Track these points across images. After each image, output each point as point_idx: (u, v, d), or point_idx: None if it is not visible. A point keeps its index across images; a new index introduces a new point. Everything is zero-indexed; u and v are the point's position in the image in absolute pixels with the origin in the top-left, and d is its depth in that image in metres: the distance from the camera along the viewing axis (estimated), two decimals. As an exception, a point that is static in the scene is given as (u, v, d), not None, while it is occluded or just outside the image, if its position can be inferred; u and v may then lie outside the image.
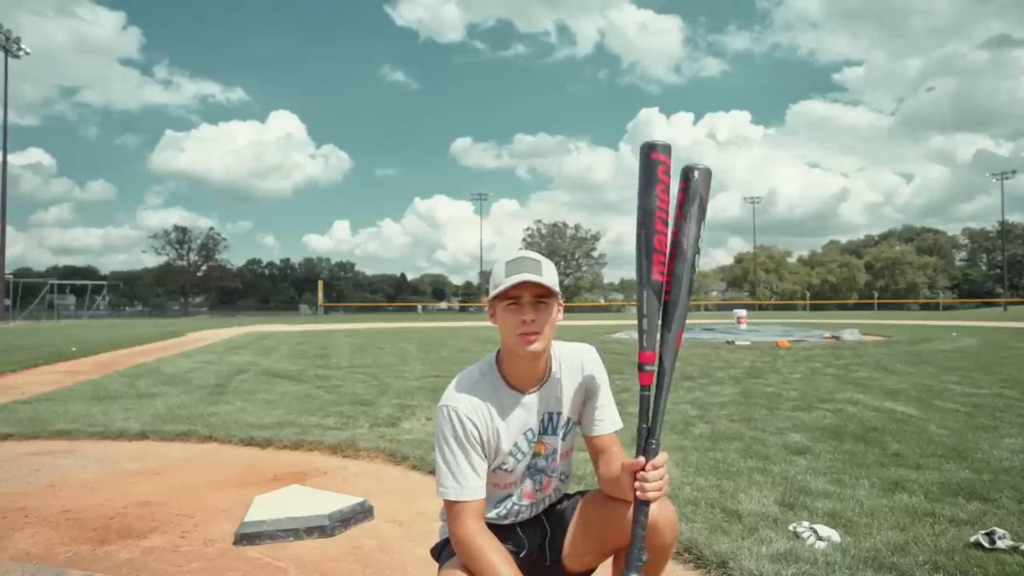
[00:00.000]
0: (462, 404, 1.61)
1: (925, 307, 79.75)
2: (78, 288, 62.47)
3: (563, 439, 1.75)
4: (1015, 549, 2.47)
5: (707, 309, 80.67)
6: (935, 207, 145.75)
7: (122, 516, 3.18)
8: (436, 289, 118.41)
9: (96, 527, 3.02)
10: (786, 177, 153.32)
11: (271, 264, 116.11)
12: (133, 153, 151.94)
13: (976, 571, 2.31)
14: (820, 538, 2.63)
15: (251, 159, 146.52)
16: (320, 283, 74.35)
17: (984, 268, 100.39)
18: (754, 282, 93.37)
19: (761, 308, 76.63)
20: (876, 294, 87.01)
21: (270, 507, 3.05)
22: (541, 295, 1.58)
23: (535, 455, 1.72)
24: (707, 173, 1.61)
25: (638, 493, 1.49)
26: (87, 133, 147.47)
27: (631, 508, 1.54)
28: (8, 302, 47.09)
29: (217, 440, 4.86)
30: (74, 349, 13.69)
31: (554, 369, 1.73)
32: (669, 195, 1.58)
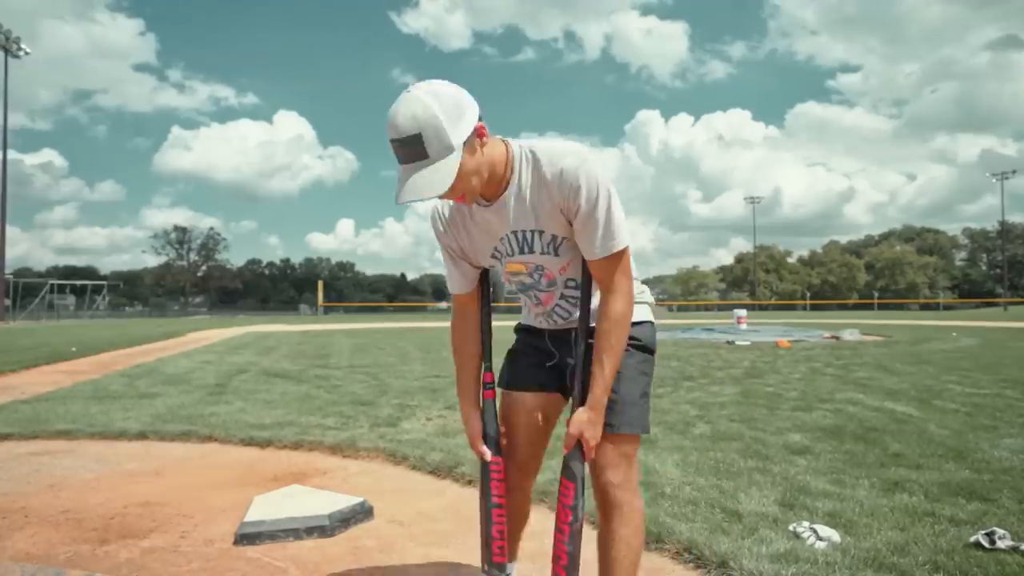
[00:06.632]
0: (440, 204, 1.70)
1: (925, 307, 79.76)
2: (78, 288, 62.40)
3: (553, 254, 1.60)
4: (1015, 549, 2.47)
5: (707, 309, 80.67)
6: (939, 207, 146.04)
7: (122, 516, 3.18)
8: (436, 289, 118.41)
9: (96, 527, 3.02)
10: (789, 177, 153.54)
11: (271, 264, 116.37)
12: (143, 155, 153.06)
13: (976, 571, 2.31)
14: (820, 538, 2.63)
15: (259, 160, 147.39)
16: (320, 283, 74.33)
17: (984, 268, 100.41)
18: (754, 282, 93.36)
19: (761, 308, 76.63)
20: (876, 294, 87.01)
21: (270, 507, 3.05)
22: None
23: (516, 273, 1.68)
24: None
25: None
26: (99, 135, 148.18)
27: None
28: (8, 302, 47.08)
29: (217, 440, 4.86)
30: (74, 349, 13.69)
31: (513, 182, 1.53)
32: None
